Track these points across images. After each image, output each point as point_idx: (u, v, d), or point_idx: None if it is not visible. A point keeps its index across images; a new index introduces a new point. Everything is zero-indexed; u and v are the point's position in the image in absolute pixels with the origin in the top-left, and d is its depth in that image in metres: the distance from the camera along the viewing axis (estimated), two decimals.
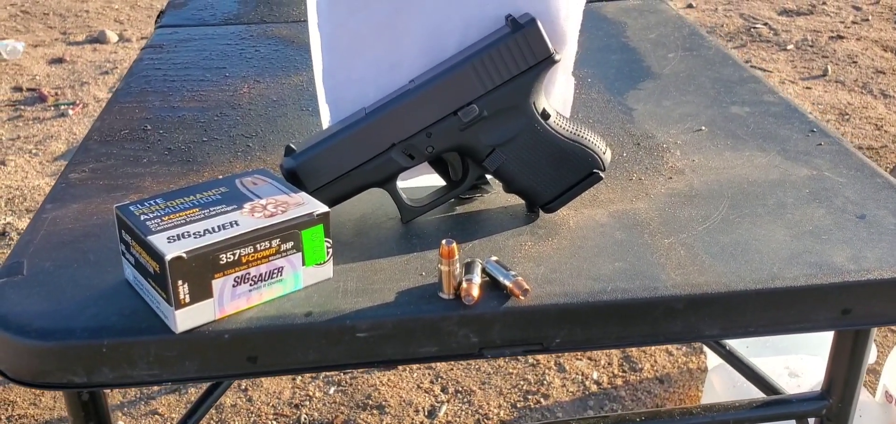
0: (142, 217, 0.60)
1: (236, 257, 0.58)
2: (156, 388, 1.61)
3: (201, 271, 0.57)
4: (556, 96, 0.75)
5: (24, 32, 3.47)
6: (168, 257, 0.55)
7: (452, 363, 1.66)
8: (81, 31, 3.47)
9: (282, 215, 0.61)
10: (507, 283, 0.62)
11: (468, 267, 0.63)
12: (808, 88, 2.94)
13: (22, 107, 2.80)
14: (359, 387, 1.61)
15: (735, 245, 0.69)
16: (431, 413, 1.55)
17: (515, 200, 0.74)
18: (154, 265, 0.57)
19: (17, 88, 2.94)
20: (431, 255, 0.67)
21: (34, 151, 2.50)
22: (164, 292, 0.57)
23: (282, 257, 0.60)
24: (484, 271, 0.64)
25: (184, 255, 0.56)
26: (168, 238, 0.57)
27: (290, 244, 0.61)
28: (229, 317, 0.60)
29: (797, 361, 1.33)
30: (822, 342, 0.79)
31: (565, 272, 0.65)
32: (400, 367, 1.65)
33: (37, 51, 3.27)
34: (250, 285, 0.59)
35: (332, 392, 1.60)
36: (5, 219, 2.15)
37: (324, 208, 0.62)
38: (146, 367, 0.59)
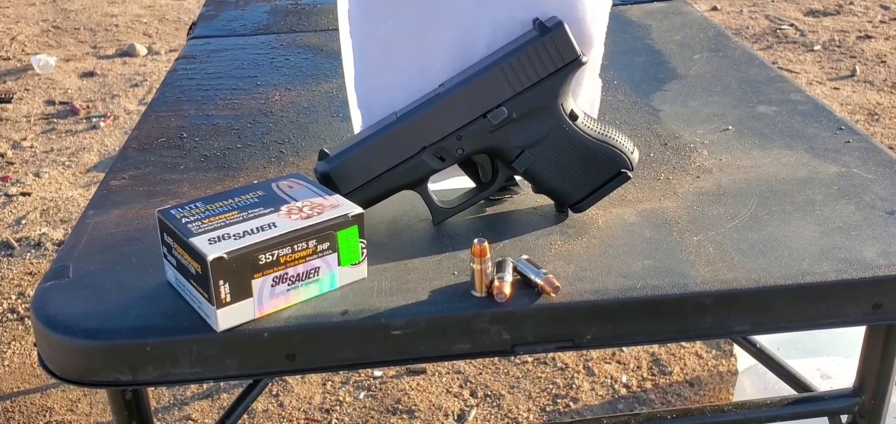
0: (183, 220, 0.62)
1: (275, 258, 0.60)
2: (189, 393, 1.63)
3: (241, 271, 0.58)
4: (584, 98, 0.76)
5: (55, 47, 3.54)
6: (210, 258, 0.57)
7: (481, 367, 1.67)
8: (111, 45, 3.53)
9: (318, 216, 0.62)
10: (539, 281, 0.63)
11: (500, 265, 0.64)
12: (836, 88, 2.91)
13: (55, 120, 2.86)
14: (389, 392, 1.62)
15: (764, 242, 0.69)
16: (461, 418, 1.56)
17: (544, 200, 0.75)
18: (196, 265, 0.58)
19: (50, 102, 3.00)
20: (463, 255, 0.69)
21: (67, 163, 2.55)
22: (205, 291, 0.59)
23: (318, 257, 0.62)
24: (515, 269, 0.65)
25: (225, 256, 0.57)
26: (209, 240, 0.59)
27: (326, 245, 0.62)
28: (268, 316, 0.61)
29: (829, 363, 1.32)
30: (854, 343, 0.79)
31: (595, 270, 0.66)
32: (429, 371, 1.66)
33: (68, 65, 3.34)
34: (288, 284, 0.61)
35: (362, 396, 1.61)
36: (41, 230, 2.20)
37: (358, 210, 0.64)
38: (188, 365, 0.61)
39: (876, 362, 0.76)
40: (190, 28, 1.29)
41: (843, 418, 0.82)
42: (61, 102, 2.99)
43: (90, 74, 3.23)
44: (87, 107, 2.94)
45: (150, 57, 3.40)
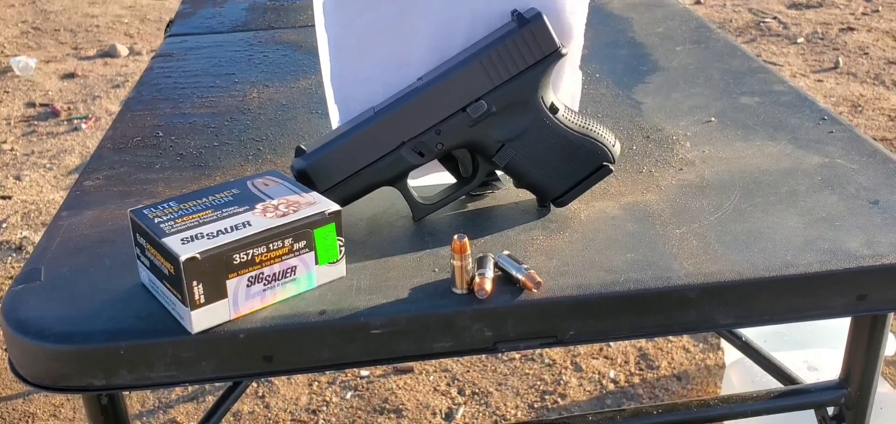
0: (156, 220, 0.60)
1: (250, 257, 0.58)
2: (174, 396, 1.62)
3: (215, 271, 0.57)
4: (564, 91, 0.75)
5: (35, 49, 3.50)
6: (182, 259, 0.55)
7: (469, 364, 1.66)
8: (92, 46, 3.50)
9: (293, 214, 0.61)
10: (520, 276, 0.62)
11: (480, 262, 0.63)
12: (819, 80, 2.92)
13: (36, 122, 2.83)
14: (376, 392, 1.61)
15: (748, 234, 0.68)
16: (449, 416, 1.55)
17: (526, 195, 0.75)
18: (169, 266, 0.57)
19: (31, 104, 2.97)
20: (444, 251, 0.68)
21: (49, 165, 2.53)
22: (179, 293, 0.57)
23: (295, 256, 0.61)
24: (496, 265, 0.64)
25: (198, 256, 0.56)
26: (182, 240, 0.57)
27: (302, 244, 0.61)
28: (244, 317, 0.60)
29: (816, 355, 1.32)
30: (841, 335, 0.79)
31: (577, 265, 0.65)
32: (416, 370, 1.65)
33: (49, 66, 3.30)
34: (264, 284, 0.60)
35: (349, 396, 1.60)
36: (22, 233, 2.17)
37: (335, 207, 0.63)
38: (163, 368, 0.59)
39: (861, 353, 0.76)
40: (167, 26, 1.27)
41: (830, 409, 0.81)
42: (42, 105, 2.95)
43: (71, 76, 3.20)
44: (69, 109, 2.91)
45: (132, 57, 3.37)
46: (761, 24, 3.45)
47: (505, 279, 0.63)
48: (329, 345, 0.61)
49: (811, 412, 0.84)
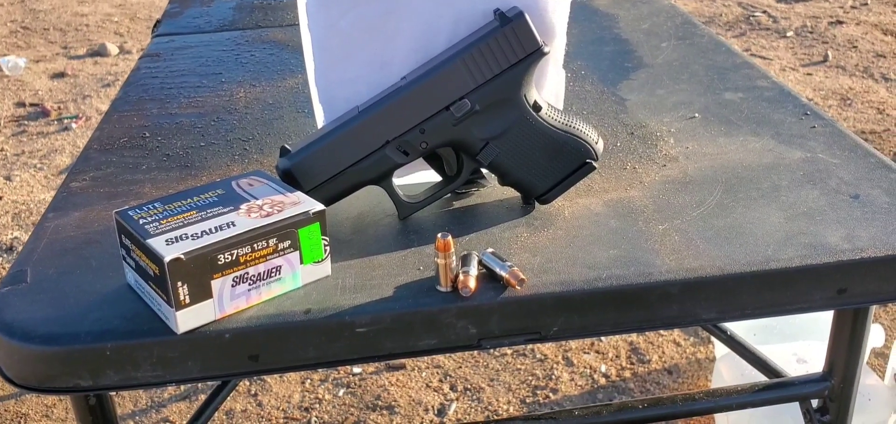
0: (141, 221, 0.60)
1: (234, 258, 0.59)
2: (166, 395, 1.62)
3: (200, 272, 0.57)
4: (548, 89, 0.75)
5: (25, 48, 3.49)
6: (167, 259, 0.56)
7: (461, 360, 1.67)
8: (82, 45, 3.49)
9: (278, 214, 0.61)
10: (504, 274, 0.63)
11: (465, 260, 0.64)
12: (808, 74, 2.93)
13: (26, 122, 2.82)
14: (368, 388, 1.61)
15: (730, 229, 0.69)
16: (441, 412, 1.56)
17: (511, 192, 0.75)
18: (154, 267, 0.58)
19: (21, 104, 2.96)
20: (429, 249, 0.68)
21: (39, 165, 2.52)
22: (164, 294, 0.58)
23: (279, 256, 0.61)
24: (480, 263, 0.64)
25: (182, 256, 0.56)
26: (166, 241, 0.58)
27: (287, 243, 0.61)
28: (230, 317, 0.60)
29: (805, 347, 1.33)
30: (829, 327, 0.79)
31: (561, 261, 0.66)
32: (408, 366, 1.66)
33: (38, 66, 3.29)
34: (249, 284, 0.60)
35: (341, 393, 1.60)
36: (12, 234, 2.17)
37: (319, 207, 0.63)
38: (150, 369, 0.60)
39: (844, 346, 0.77)
40: (154, 25, 1.27)
41: (814, 402, 0.82)
42: (32, 104, 2.95)
43: (61, 75, 3.19)
44: (59, 108, 2.90)
45: (122, 56, 3.36)
46: (751, 17, 3.46)
47: (489, 277, 0.64)
48: (314, 344, 0.61)
49: (796, 404, 0.85)
